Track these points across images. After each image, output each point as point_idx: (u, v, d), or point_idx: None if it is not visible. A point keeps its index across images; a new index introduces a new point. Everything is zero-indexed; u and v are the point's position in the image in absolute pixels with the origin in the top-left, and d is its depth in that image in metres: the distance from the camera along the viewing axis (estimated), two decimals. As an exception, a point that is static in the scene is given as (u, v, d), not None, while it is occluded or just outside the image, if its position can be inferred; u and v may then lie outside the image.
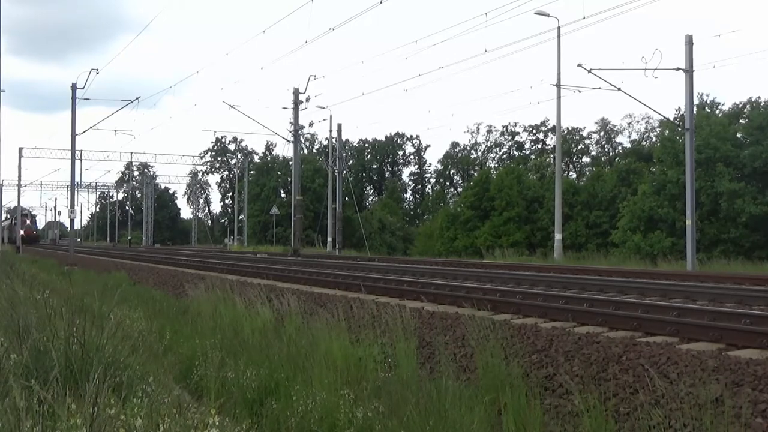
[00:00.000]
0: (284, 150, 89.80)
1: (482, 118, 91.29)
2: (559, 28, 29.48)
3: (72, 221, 36.08)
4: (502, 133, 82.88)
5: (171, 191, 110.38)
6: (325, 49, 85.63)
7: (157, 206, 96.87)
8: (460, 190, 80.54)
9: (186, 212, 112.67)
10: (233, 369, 7.18)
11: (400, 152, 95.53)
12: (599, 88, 26.27)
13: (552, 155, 61.38)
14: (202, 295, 12.94)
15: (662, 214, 35.90)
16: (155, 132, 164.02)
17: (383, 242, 64.59)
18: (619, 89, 25.65)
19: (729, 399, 5.17)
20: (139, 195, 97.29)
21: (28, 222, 78.40)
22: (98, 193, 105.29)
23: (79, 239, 71.05)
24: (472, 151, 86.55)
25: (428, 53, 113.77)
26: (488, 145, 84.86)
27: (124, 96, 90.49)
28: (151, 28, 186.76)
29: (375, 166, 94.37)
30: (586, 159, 74.43)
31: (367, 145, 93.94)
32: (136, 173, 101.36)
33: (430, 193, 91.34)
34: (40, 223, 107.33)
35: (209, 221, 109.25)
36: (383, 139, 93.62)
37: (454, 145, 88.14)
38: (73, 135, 32.74)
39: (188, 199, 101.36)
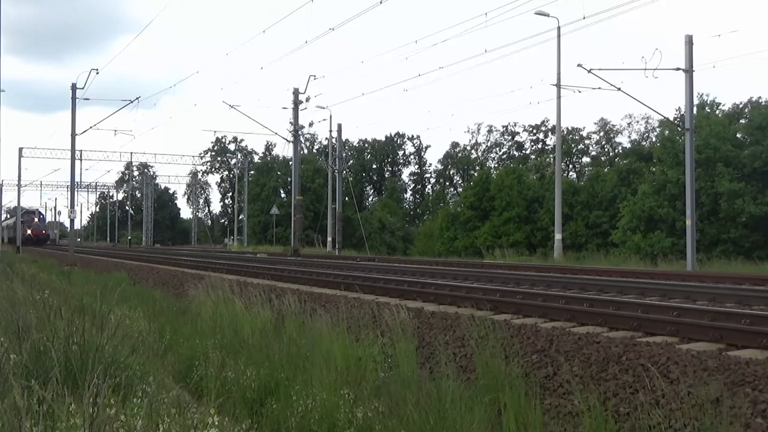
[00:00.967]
0: (284, 150, 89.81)
1: (482, 118, 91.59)
2: (559, 28, 29.58)
3: (72, 221, 36.13)
4: (502, 133, 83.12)
5: (171, 191, 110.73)
6: (325, 49, 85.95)
7: (157, 206, 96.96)
8: (460, 190, 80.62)
9: (186, 212, 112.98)
10: (233, 369, 7.16)
11: (400, 152, 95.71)
12: (599, 88, 26.32)
13: (552, 155, 61.43)
14: (202, 295, 12.91)
15: (662, 214, 35.90)
16: (155, 132, 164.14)
17: (383, 242, 64.63)
18: (619, 89, 25.66)
19: (729, 399, 5.16)
20: (139, 195, 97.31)
21: (36, 221, 76.98)
22: (98, 193, 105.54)
23: (79, 239, 70.91)
24: (472, 151, 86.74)
25: (428, 53, 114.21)
26: (488, 145, 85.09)
27: (123, 96, 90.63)
28: (150, 28, 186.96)
29: (375, 166, 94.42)
30: (586, 159, 74.57)
31: (367, 145, 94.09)
32: (136, 173, 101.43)
33: (430, 193, 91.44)
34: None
35: (209, 221, 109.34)
36: (383, 139, 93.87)
37: (454, 145, 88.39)
38: (73, 135, 32.75)
39: (188, 199, 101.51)
